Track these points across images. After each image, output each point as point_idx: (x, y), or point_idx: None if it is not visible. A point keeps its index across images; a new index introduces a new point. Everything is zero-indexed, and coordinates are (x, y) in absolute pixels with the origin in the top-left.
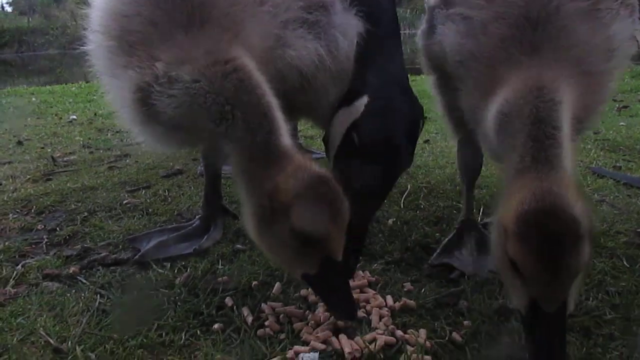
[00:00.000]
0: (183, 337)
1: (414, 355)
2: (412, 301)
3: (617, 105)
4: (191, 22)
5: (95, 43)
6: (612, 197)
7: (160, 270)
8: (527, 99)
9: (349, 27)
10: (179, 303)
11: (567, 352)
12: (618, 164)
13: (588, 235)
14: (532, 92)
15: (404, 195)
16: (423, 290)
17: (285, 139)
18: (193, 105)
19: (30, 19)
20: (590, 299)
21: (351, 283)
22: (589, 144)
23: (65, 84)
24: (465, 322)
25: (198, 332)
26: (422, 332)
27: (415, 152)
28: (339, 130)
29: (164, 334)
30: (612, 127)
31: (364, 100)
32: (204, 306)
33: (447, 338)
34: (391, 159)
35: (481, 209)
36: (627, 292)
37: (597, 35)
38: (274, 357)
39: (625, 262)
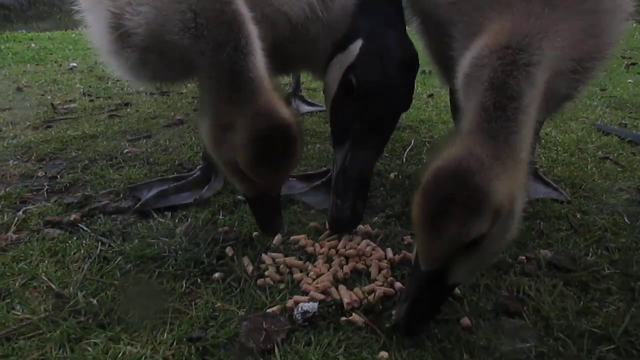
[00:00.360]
0: (184, 285)
1: None
2: (411, 254)
3: (625, 62)
4: None
5: None
6: (615, 154)
7: (161, 220)
8: (489, 59)
9: None
10: (179, 252)
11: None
12: (624, 122)
13: (494, 214)
14: (494, 53)
15: (407, 150)
16: None
17: (256, 61)
18: (158, 18)
19: None
20: (590, 254)
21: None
22: (595, 100)
23: (65, 30)
24: None
25: (199, 280)
26: None
27: (419, 106)
28: (335, 76)
29: (164, 282)
30: (619, 84)
31: (359, 43)
32: (204, 255)
33: None
34: (391, 98)
35: None
36: (627, 248)
37: None
38: (274, 306)
39: (626, 219)
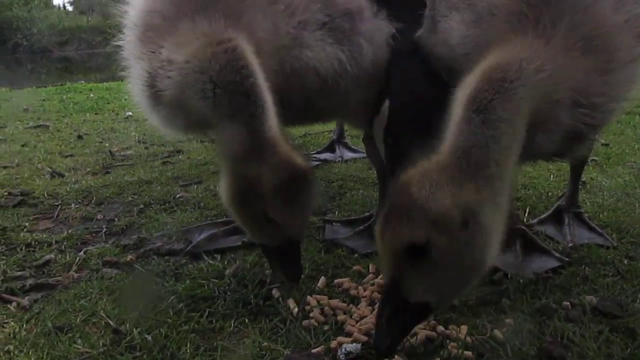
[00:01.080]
0: (232, 324)
1: (455, 350)
2: None
3: None
4: (195, 11)
5: (125, 38)
6: None
7: (211, 261)
8: (470, 80)
9: (376, 33)
10: (228, 293)
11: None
12: None
13: (434, 223)
14: (475, 74)
15: None
16: None
17: (271, 124)
18: (183, 85)
19: (89, 18)
20: (637, 301)
21: None
22: None
23: (121, 81)
24: (507, 320)
25: (246, 320)
26: (463, 328)
27: None
28: (379, 138)
29: (214, 321)
30: None
31: (386, 104)
32: (252, 296)
33: (488, 334)
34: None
35: (527, 210)
36: None
37: (621, 13)
38: (318, 346)
39: None
